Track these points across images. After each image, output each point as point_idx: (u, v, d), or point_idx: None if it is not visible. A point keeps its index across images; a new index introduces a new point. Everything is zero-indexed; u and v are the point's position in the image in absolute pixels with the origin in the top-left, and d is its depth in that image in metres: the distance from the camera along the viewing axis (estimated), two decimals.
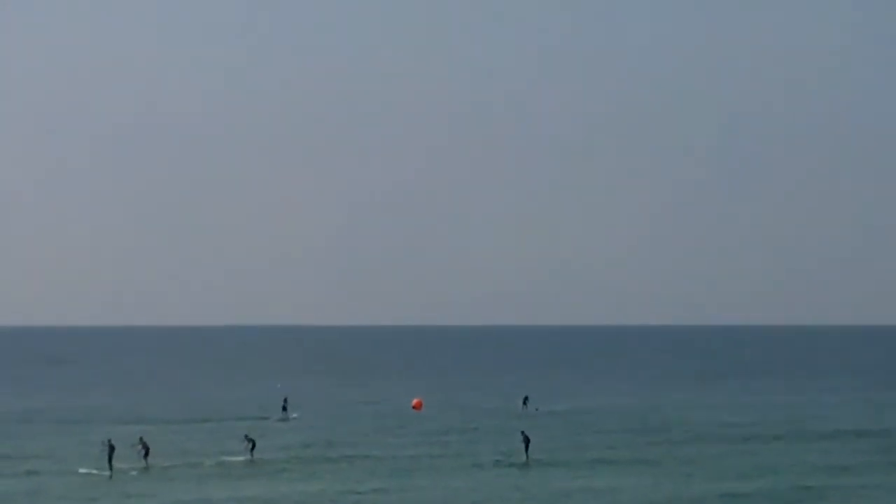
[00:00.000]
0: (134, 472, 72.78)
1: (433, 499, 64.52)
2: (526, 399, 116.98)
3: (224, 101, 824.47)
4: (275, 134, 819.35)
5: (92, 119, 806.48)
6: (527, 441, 78.18)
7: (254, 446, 77.89)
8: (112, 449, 72.36)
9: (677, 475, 71.98)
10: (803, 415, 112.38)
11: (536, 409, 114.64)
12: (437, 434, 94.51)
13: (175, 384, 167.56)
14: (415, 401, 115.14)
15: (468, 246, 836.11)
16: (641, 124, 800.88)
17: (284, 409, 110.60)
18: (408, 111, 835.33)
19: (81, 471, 72.69)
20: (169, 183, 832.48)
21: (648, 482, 69.31)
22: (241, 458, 77.30)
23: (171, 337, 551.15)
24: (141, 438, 75.47)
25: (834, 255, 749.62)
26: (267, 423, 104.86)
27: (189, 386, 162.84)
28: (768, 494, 65.24)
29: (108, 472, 71.75)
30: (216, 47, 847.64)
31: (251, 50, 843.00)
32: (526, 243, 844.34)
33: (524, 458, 77.56)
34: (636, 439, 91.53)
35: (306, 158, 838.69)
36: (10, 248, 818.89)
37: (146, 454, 74.10)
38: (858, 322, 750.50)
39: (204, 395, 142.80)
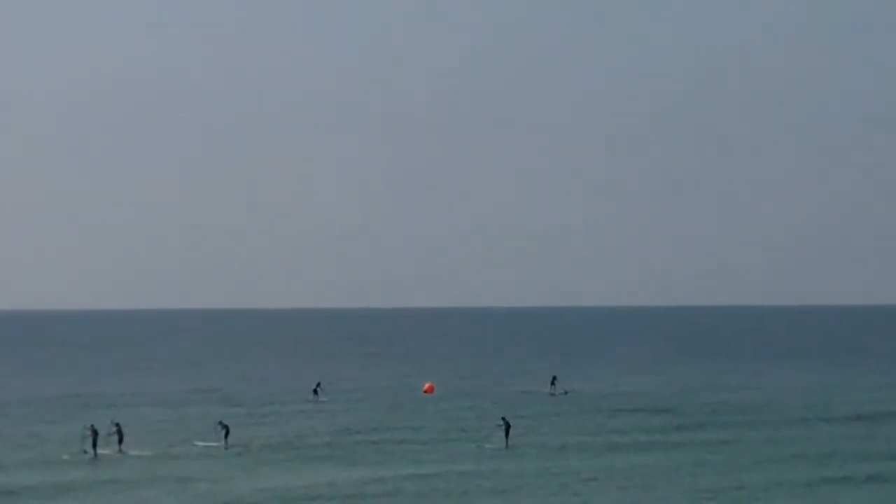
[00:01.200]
0: (141, 455, 72.34)
1: (438, 485, 63.35)
2: (554, 380, 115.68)
3: (250, 89, 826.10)
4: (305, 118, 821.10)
5: (133, 96, 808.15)
6: (507, 426, 76.96)
7: (227, 433, 76.38)
8: (95, 434, 71.82)
9: (691, 460, 70.63)
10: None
11: (565, 393, 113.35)
12: (455, 418, 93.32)
13: (206, 366, 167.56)
14: (426, 385, 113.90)
15: (487, 229, 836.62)
16: (653, 110, 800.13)
17: (316, 392, 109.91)
18: (423, 98, 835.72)
19: (64, 457, 71.83)
20: (189, 170, 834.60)
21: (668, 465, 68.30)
22: (215, 444, 75.82)
23: (200, 319, 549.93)
24: (116, 424, 74.23)
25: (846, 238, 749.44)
26: (299, 406, 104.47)
27: (218, 368, 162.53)
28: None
29: (90, 455, 71.38)
30: (234, 35, 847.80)
31: (271, 38, 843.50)
32: (541, 227, 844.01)
33: (504, 443, 76.16)
34: (663, 422, 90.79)
35: (326, 142, 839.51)
36: (46, 233, 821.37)
37: (120, 440, 73.06)
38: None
39: (235, 378, 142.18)
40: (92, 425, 72.97)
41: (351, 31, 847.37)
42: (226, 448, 75.15)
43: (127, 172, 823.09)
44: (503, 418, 78.47)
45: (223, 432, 76.34)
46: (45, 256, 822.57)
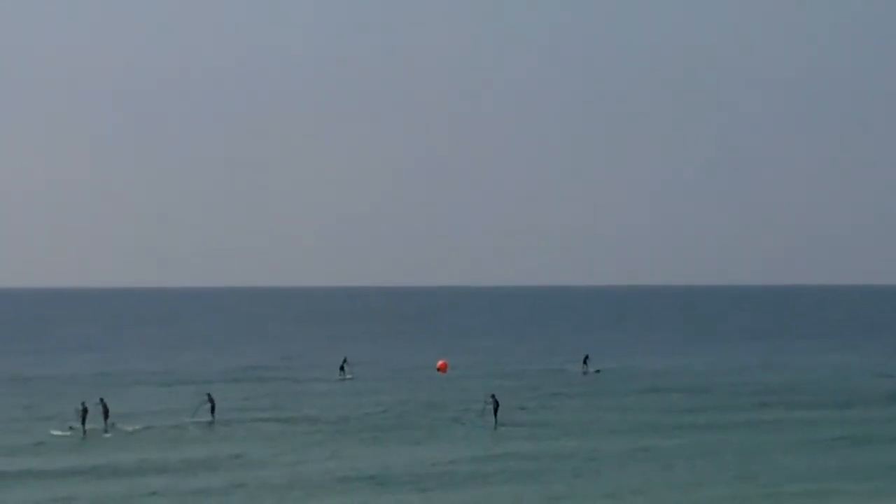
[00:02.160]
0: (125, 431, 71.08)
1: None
2: (586, 359, 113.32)
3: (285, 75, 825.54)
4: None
5: (168, 76, 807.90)
6: (496, 404, 74.82)
7: (213, 407, 75.10)
8: (86, 412, 70.69)
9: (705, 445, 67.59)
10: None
11: (597, 371, 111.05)
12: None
13: (235, 343, 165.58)
14: (439, 362, 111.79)
15: (510, 211, 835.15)
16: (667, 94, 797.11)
17: (342, 369, 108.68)
18: (442, 82, 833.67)
19: (53, 433, 70.67)
20: (217, 152, 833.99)
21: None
22: (204, 420, 74.41)
23: (227, 298, 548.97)
24: (101, 400, 73.05)
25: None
26: (327, 383, 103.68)
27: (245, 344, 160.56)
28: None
29: (79, 432, 70.19)
30: (262, 18, 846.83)
31: (300, 23, 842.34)
32: (563, 207, 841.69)
33: (493, 421, 74.01)
34: (698, 402, 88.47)
35: (352, 124, 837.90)
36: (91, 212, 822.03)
37: (105, 416, 71.85)
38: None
39: (255, 354, 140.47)
40: (83, 403, 71.74)
41: (378, 20, 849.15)
42: (212, 422, 73.80)
43: (159, 154, 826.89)
44: (492, 396, 76.17)
45: (209, 406, 75.05)
46: (83, 235, 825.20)
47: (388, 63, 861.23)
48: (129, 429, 71.44)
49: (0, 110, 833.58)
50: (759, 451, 64.24)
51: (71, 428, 70.91)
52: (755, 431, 71.86)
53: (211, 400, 75.49)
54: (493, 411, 74.38)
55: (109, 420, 71.95)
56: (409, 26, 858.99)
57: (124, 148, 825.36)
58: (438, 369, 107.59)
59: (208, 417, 74.99)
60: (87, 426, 70.69)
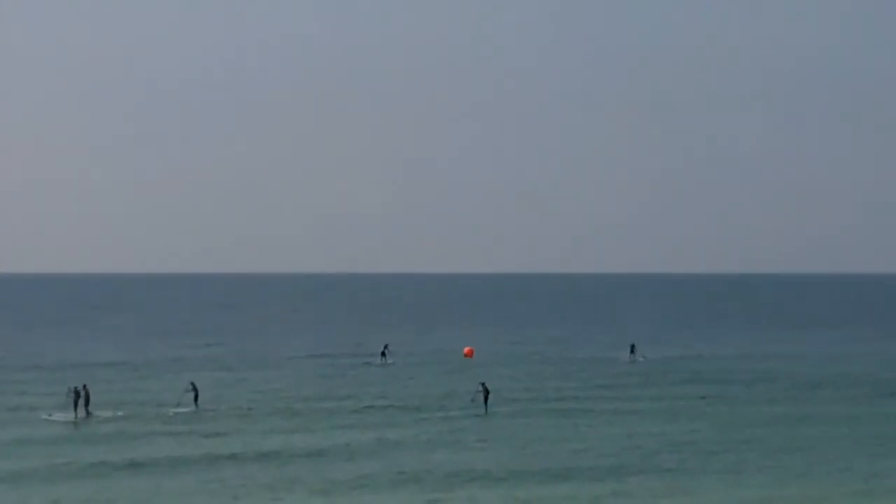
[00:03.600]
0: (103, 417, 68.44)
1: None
2: (633, 347, 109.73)
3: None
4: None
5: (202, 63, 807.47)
6: (486, 392, 73.37)
7: (197, 395, 73.50)
8: (77, 396, 69.72)
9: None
10: None
11: (643, 358, 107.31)
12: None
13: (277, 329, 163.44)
14: (466, 349, 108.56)
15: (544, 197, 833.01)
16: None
17: (384, 354, 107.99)
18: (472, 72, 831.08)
19: (44, 416, 69.39)
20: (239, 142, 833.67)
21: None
22: (187, 409, 72.17)
23: (260, 284, 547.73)
24: (84, 386, 71.17)
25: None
26: (368, 368, 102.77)
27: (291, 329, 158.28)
28: None
29: (73, 418, 68.70)
30: (279, 9, 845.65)
31: (314, 14, 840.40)
32: (587, 195, 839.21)
33: (483, 409, 72.37)
34: (754, 391, 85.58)
35: (370, 118, 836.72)
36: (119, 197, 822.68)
37: (87, 402, 70.01)
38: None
39: (298, 338, 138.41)
40: (75, 388, 70.50)
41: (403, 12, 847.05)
42: (196, 410, 72.02)
43: (185, 145, 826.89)
44: (482, 384, 74.76)
45: (192, 394, 73.47)
46: (107, 223, 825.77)
47: (401, 55, 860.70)
48: (105, 414, 69.56)
49: (43, 103, 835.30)
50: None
51: (49, 416, 69.20)
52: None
53: (194, 388, 73.86)
54: (483, 398, 73.04)
55: (89, 407, 70.07)
56: (420, 18, 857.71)
57: (154, 144, 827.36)
58: (466, 355, 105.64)
59: (192, 406, 72.81)
60: (63, 413, 69.09)
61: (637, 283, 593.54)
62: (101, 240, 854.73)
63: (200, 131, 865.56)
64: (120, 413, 70.21)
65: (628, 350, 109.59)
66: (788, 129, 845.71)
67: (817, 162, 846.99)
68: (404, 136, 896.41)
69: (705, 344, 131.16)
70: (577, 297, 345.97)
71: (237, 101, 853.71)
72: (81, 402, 69.45)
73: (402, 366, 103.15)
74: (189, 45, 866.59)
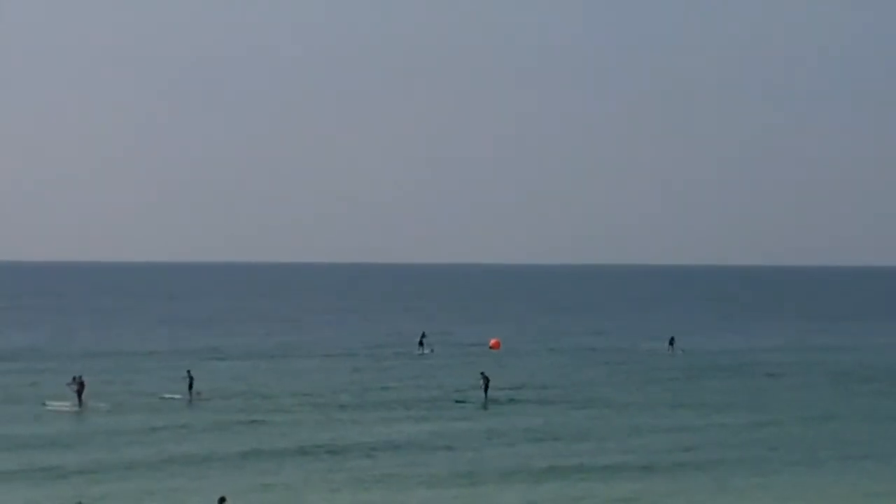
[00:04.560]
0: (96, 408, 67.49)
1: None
2: (672, 340, 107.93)
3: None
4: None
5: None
6: (486, 381, 72.49)
7: (192, 384, 72.32)
8: (81, 385, 68.49)
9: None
10: None
11: (682, 351, 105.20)
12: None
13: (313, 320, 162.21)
14: (492, 341, 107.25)
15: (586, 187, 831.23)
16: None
17: (421, 344, 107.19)
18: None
19: (45, 406, 68.23)
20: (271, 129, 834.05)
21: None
22: (178, 396, 71.51)
23: (287, 273, 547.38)
24: (79, 376, 69.92)
25: None
26: (406, 358, 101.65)
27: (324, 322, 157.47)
28: None
29: (76, 408, 67.58)
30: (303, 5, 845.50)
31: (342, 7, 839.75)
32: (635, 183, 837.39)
33: (483, 398, 71.69)
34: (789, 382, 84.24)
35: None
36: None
37: (80, 392, 68.77)
38: None
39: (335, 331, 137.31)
40: (78, 377, 69.47)
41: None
42: (190, 400, 70.97)
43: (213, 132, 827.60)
44: (482, 373, 73.97)
45: (188, 383, 72.33)
46: (134, 211, 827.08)
47: (430, 42, 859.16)
48: (100, 405, 68.29)
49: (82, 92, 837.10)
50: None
51: (44, 404, 68.31)
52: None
53: (190, 377, 72.67)
54: (483, 389, 72.27)
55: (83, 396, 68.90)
56: (449, 8, 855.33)
57: (181, 134, 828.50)
58: (492, 347, 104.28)
59: (187, 395, 71.83)
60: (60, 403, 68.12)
61: (665, 273, 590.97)
62: (135, 229, 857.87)
63: (225, 118, 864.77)
64: (104, 405, 68.47)
65: (667, 343, 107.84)
66: (813, 119, 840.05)
67: (842, 154, 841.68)
68: (432, 125, 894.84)
69: (743, 336, 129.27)
70: (606, 288, 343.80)
71: (267, 86, 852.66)
72: (85, 392, 68.40)
73: (439, 356, 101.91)
74: (219, 30, 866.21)
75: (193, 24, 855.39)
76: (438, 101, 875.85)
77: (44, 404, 68.15)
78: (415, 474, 49.15)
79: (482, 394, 72.11)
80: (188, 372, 73.48)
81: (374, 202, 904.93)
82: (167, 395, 71.60)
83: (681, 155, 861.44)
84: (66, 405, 67.42)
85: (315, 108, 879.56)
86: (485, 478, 48.73)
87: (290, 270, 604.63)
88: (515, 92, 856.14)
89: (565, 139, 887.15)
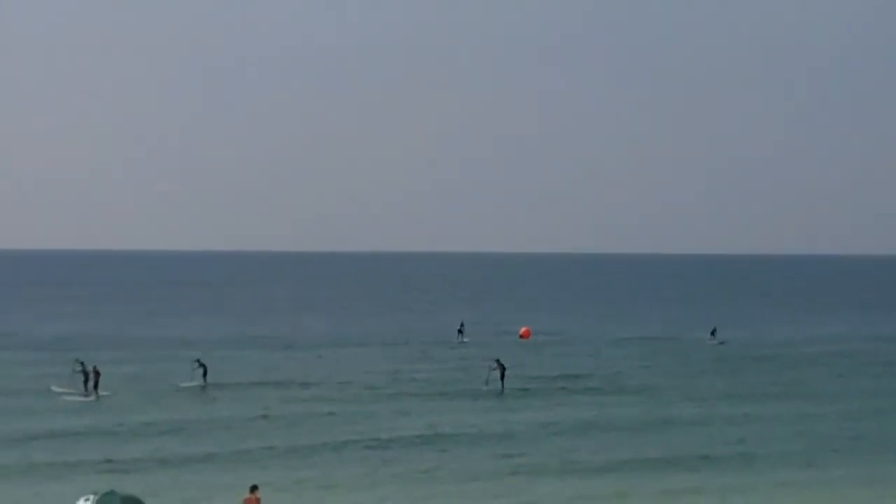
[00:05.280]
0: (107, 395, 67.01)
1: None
2: (714, 330, 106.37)
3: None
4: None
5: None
6: (502, 369, 71.84)
7: (205, 372, 72.33)
8: (86, 374, 68.21)
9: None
10: None
11: (723, 343, 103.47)
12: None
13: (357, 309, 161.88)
14: (522, 329, 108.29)
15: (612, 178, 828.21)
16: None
17: (460, 332, 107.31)
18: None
19: (54, 389, 68.47)
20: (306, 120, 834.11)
21: None
22: (193, 384, 71.45)
23: (334, 262, 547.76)
24: (82, 364, 69.65)
25: None
26: (445, 346, 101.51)
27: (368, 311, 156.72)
28: None
29: (84, 396, 67.15)
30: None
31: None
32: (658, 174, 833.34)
33: (500, 385, 71.30)
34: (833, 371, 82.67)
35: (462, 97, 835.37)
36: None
37: (87, 380, 68.30)
38: None
39: (376, 320, 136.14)
40: (83, 363, 69.58)
41: None
42: (204, 387, 70.99)
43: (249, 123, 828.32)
44: (497, 360, 73.43)
45: (200, 371, 72.47)
46: (179, 201, 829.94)
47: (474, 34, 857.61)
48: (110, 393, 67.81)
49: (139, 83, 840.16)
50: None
51: (50, 389, 68.40)
52: None
53: (202, 365, 72.69)
54: (499, 377, 71.74)
55: (96, 384, 68.54)
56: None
57: (235, 121, 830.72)
58: (521, 336, 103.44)
59: (200, 382, 71.88)
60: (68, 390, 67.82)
61: (702, 263, 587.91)
62: (188, 217, 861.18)
63: (280, 108, 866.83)
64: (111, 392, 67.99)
65: (709, 333, 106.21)
66: (854, 107, 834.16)
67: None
68: (485, 114, 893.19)
69: (785, 326, 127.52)
70: (639, 277, 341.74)
71: (327, 75, 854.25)
72: (91, 380, 68.02)
73: (476, 345, 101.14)
74: (267, 21, 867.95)
75: (241, 12, 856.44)
76: (492, 89, 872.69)
77: (50, 389, 68.01)
78: (457, 468, 47.81)
79: (498, 382, 71.29)
80: (198, 361, 73.18)
81: (413, 191, 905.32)
82: (183, 384, 71.26)
83: (711, 143, 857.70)
84: (73, 392, 67.00)
85: (345, 100, 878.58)
86: (532, 471, 47.35)
87: (329, 260, 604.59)
88: (539, 78, 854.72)
89: (590, 127, 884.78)
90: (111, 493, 35.06)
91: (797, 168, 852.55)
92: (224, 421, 58.74)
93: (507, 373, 72.36)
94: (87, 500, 34.96)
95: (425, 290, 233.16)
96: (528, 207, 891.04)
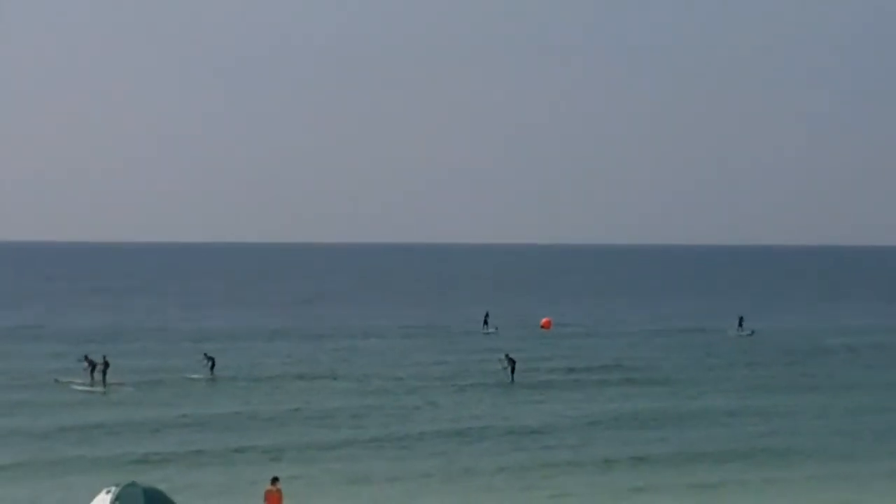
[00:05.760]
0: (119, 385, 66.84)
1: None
2: (741, 320, 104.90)
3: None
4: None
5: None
6: (512, 363, 71.54)
7: (213, 365, 72.37)
8: (93, 365, 68.36)
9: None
10: None
11: (751, 333, 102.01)
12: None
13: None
14: (543, 320, 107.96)
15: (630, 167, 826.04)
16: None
17: (486, 322, 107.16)
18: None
19: (56, 379, 68.60)
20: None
21: None
22: (200, 376, 71.09)
23: (353, 254, 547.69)
24: (86, 357, 69.72)
25: None
26: (471, 335, 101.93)
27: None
28: None
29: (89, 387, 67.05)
30: None
31: None
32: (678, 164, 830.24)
33: (510, 379, 70.82)
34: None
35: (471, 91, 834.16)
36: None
37: (91, 371, 68.45)
38: None
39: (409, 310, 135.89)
40: (87, 355, 69.88)
41: None
42: (211, 379, 70.72)
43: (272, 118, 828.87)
44: (507, 355, 72.94)
45: (209, 364, 72.25)
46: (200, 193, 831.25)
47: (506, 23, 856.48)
48: (122, 383, 67.70)
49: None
50: None
51: (56, 381, 68.30)
52: None
53: (209, 358, 72.58)
54: (510, 370, 71.24)
55: (107, 377, 68.36)
56: None
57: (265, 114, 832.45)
58: (542, 326, 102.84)
59: (208, 375, 71.55)
60: (81, 381, 67.59)
61: (727, 254, 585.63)
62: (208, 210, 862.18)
63: (297, 97, 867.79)
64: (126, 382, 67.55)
65: (736, 323, 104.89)
66: (877, 97, 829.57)
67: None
68: (505, 104, 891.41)
69: (812, 317, 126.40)
70: (662, 268, 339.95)
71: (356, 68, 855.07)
72: (99, 371, 67.79)
73: (503, 336, 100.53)
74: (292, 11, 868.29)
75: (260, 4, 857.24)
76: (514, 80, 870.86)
77: (56, 380, 67.84)
78: (484, 461, 47.24)
79: (509, 375, 70.67)
80: (205, 354, 72.97)
81: (434, 180, 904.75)
82: (192, 375, 71.01)
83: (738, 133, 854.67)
84: (78, 382, 66.86)
85: (364, 89, 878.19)
86: (561, 463, 46.85)
87: (352, 252, 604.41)
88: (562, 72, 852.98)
89: (615, 115, 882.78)
90: (133, 485, 35.01)
91: (825, 157, 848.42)
92: (251, 414, 58.16)
93: (523, 365, 72.02)
94: (108, 491, 34.78)
95: (447, 280, 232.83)
96: (543, 199, 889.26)
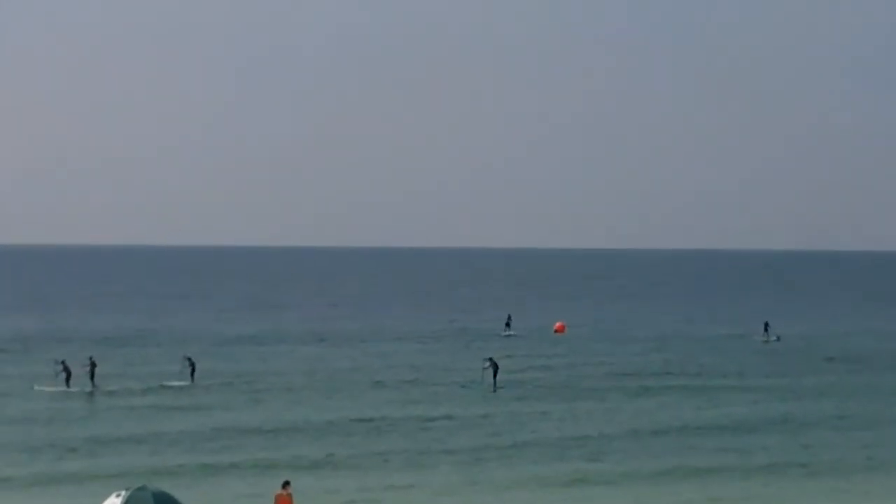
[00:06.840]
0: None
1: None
2: (767, 325, 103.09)
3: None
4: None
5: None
6: (495, 367, 70.39)
7: (194, 369, 71.24)
8: (68, 371, 67.46)
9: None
10: None
11: (777, 339, 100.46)
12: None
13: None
14: (557, 324, 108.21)
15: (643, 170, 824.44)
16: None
17: (508, 325, 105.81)
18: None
19: (36, 388, 67.56)
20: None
21: None
22: (182, 383, 70.13)
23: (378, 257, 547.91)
24: (63, 362, 68.56)
25: None
26: (494, 337, 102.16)
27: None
28: None
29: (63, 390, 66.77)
30: None
31: None
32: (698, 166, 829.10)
33: (492, 385, 69.60)
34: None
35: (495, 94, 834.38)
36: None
37: (92, 376, 68.06)
38: None
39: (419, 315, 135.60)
40: (63, 361, 68.65)
41: None
42: (192, 383, 70.00)
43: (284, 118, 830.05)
44: (490, 359, 72.07)
45: (189, 369, 71.37)
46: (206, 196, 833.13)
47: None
48: (110, 388, 67.42)
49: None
50: None
51: (34, 388, 67.60)
52: None
53: (191, 363, 71.60)
54: (492, 374, 70.18)
55: (95, 380, 68.23)
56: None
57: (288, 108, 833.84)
58: (556, 330, 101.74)
59: (188, 381, 70.49)
60: (73, 385, 67.14)
61: (749, 258, 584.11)
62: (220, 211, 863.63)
63: (314, 96, 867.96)
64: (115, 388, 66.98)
65: (762, 328, 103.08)
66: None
67: None
68: (524, 99, 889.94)
69: (835, 322, 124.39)
70: (685, 272, 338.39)
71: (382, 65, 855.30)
72: (86, 373, 67.29)
73: (523, 338, 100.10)
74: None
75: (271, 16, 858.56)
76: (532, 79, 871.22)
77: (32, 388, 67.01)
78: (515, 471, 46.10)
79: (491, 379, 69.54)
80: (188, 358, 71.80)
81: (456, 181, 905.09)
82: (172, 382, 69.93)
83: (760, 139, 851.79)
84: (56, 389, 66.09)
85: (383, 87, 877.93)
86: (589, 476, 45.55)
87: (376, 255, 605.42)
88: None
89: (634, 119, 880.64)
90: (143, 489, 34.99)
91: (843, 159, 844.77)
92: (273, 424, 56.65)
93: (538, 371, 71.90)
94: (118, 495, 34.74)
95: (467, 284, 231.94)
96: (562, 204, 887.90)
